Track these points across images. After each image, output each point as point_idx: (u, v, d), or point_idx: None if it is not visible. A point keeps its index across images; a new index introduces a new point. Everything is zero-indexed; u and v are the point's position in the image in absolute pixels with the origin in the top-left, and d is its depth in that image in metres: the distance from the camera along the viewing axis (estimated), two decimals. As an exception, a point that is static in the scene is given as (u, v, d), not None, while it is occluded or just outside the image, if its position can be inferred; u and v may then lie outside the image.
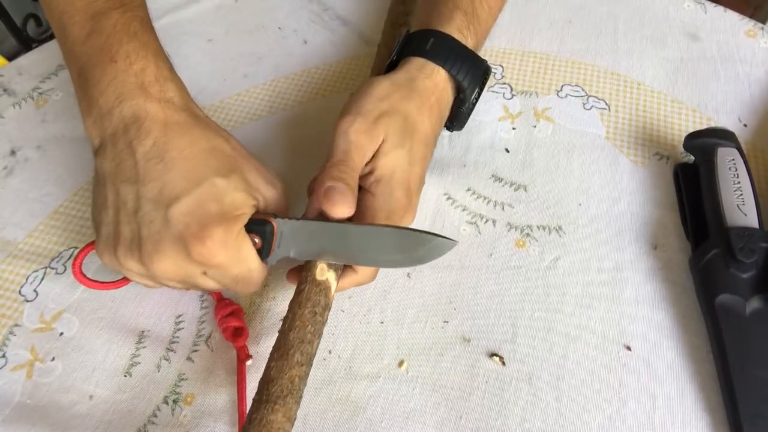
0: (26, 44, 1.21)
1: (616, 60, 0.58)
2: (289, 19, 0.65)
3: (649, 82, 0.56)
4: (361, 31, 0.63)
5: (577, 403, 0.40)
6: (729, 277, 0.41)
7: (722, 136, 0.47)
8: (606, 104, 0.55)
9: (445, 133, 0.53)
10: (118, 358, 0.43)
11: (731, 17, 0.61)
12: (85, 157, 0.54)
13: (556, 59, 0.59)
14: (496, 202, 0.49)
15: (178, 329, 0.45)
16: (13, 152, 0.55)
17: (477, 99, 0.48)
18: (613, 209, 0.48)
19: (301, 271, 0.40)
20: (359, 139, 0.40)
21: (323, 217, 0.39)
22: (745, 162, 0.45)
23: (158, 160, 0.36)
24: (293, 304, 0.38)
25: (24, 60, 0.63)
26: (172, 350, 0.44)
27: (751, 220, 0.42)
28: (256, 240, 0.38)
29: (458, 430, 0.39)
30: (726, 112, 0.54)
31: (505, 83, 0.57)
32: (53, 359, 0.44)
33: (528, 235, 0.48)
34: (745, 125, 0.53)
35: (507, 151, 0.52)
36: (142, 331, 0.45)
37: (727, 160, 0.45)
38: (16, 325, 0.45)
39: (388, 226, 0.38)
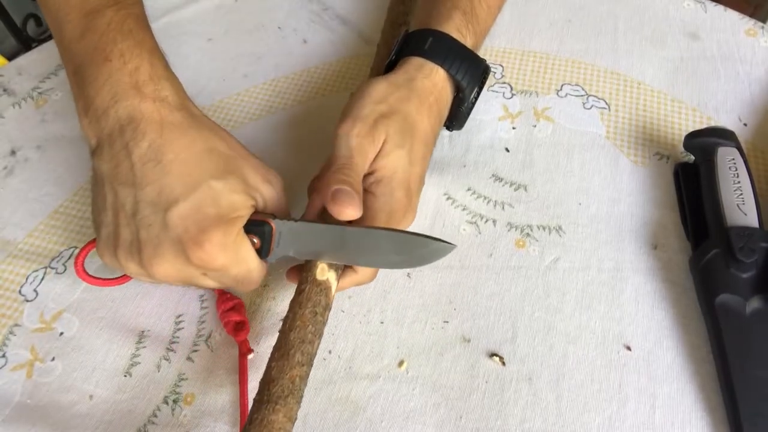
0: (26, 44, 1.21)
1: (616, 59, 0.58)
2: (288, 18, 0.64)
3: (649, 81, 0.56)
4: (360, 31, 0.63)
5: (577, 403, 0.40)
6: (729, 277, 0.41)
7: (722, 135, 0.47)
8: (606, 104, 0.55)
9: (445, 132, 0.53)
10: (118, 357, 0.43)
11: (731, 16, 0.61)
12: (85, 156, 0.53)
13: (556, 59, 0.58)
14: (496, 202, 0.49)
15: (178, 329, 0.45)
16: (13, 152, 0.55)
17: (476, 98, 0.48)
18: (613, 209, 0.48)
19: (300, 271, 0.40)
20: (361, 143, 0.40)
21: (323, 217, 0.39)
22: (745, 161, 0.45)
23: (155, 163, 0.36)
24: (294, 304, 0.38)
25: (24, 60, 0.63)
26: (172, 350, 0.44)
27: (751, 219, 0.42)
28: (255, 240, 0.38)
29: (458, 430, 0.39)
30: (726, 112, 0.54)
31: (505, 83, 0.57)
32: (53, 359, 0.44)
33: (528, 235, 0.48)
34: (745, 124, 0.53)
35: (507, 150, 0.52)
36: (142, 331, 0.45)
37: (727, 159, 0.45)
38: (16, 324, 0.45)
39: (385, 229, 0.38)
